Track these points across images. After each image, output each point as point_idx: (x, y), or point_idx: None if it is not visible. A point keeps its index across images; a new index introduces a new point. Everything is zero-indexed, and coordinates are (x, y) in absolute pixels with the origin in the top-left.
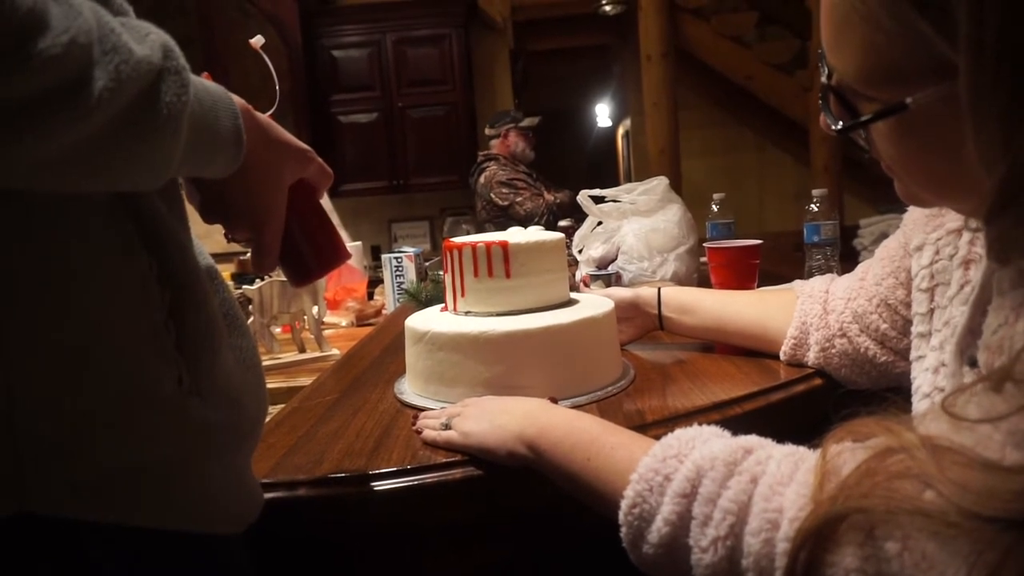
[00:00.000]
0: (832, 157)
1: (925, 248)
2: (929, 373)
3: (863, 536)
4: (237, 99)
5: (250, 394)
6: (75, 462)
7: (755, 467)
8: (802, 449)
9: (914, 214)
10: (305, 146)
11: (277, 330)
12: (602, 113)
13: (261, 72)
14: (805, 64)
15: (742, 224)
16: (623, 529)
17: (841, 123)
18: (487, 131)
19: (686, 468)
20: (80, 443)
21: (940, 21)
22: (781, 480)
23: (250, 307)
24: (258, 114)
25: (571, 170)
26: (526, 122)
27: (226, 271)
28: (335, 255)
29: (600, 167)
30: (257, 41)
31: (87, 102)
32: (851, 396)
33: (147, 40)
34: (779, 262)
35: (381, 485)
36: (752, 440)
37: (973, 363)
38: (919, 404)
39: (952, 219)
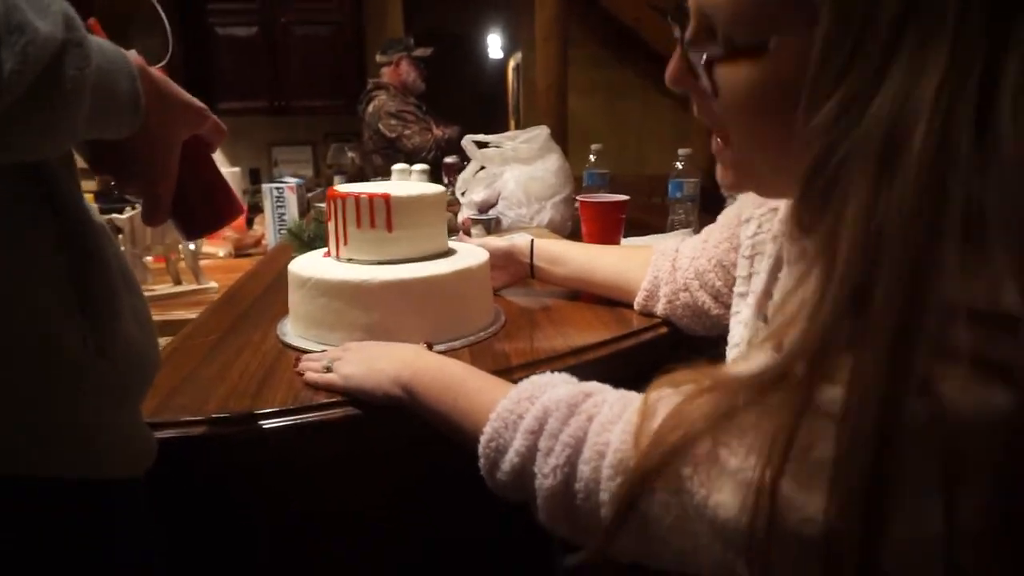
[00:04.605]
0: None
1: (751, 222)
2: (741, 326)
3: (671, 470)
4: (134, 57)
5: (147, 350)
6: None
7: (592, 408)
8: (631, 393)
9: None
10: (200, 104)
11: (148, 259)
12: (494, 44)
13: None
14: None
15: (624, 164)
16: (481, 460)
17: (703, 54)
18: (378, 58)
19: (536, 409)
20: None
21: None
22: (611, 419)
23: (120, 236)
24: (153, 72)
25: (461, 101)
26: (418, 52)
27: (87, 187)
28: (228, 210)
29: (491, 100)
30: None
31: None
32: (687, 345)
33: (49, 13)
34: (649, 210)
35: (265, 424)
36: (593, 385)
37: (766, 319)
38: (731, 351)
39: (775, 199)
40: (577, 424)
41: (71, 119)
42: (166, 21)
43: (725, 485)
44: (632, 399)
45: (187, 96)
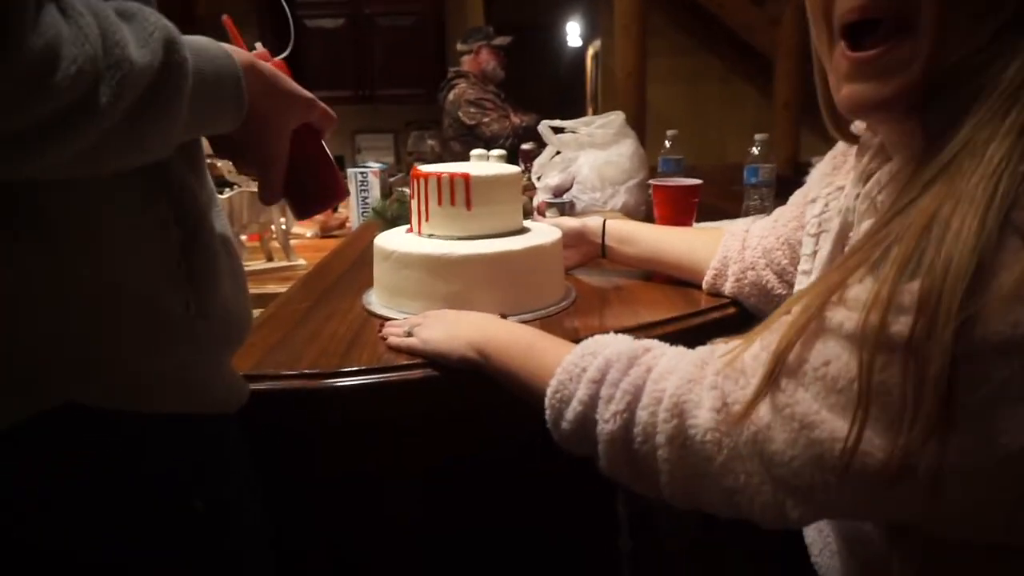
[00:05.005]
0: (794, 93)
1: (818, 201)
2: None
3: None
4: (242, 56)
5: (240, 309)
6: (112, 368)
7: (651, 360)
8: (687, 350)
9: (816, 173)
10: (309, 94)
11: (243, 238)
12: (573, 32)
13: None
14: None
15: (703, 154)
16: (548, 411)
17: None
18: (459, 47)
19: (598, 361)
20: (114, 354)
21: None
22: (669, 370)
23: None
24: (264, 66)
25: (540, 90)
26: (499, 40)
27: None
28: (335, 192)
29: (569, 88)
30: None
31: (94, 115)
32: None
33: (150, 42)
34: (725, 196)
35: (351, 381)
36: (652, 342)
37: None
38: None
39: (841, 179)
40: (637, 374)
41: (163, 134)
42: (288, 12)
43: (774, 421)
44: (687, 352)
45: (296, 88)
